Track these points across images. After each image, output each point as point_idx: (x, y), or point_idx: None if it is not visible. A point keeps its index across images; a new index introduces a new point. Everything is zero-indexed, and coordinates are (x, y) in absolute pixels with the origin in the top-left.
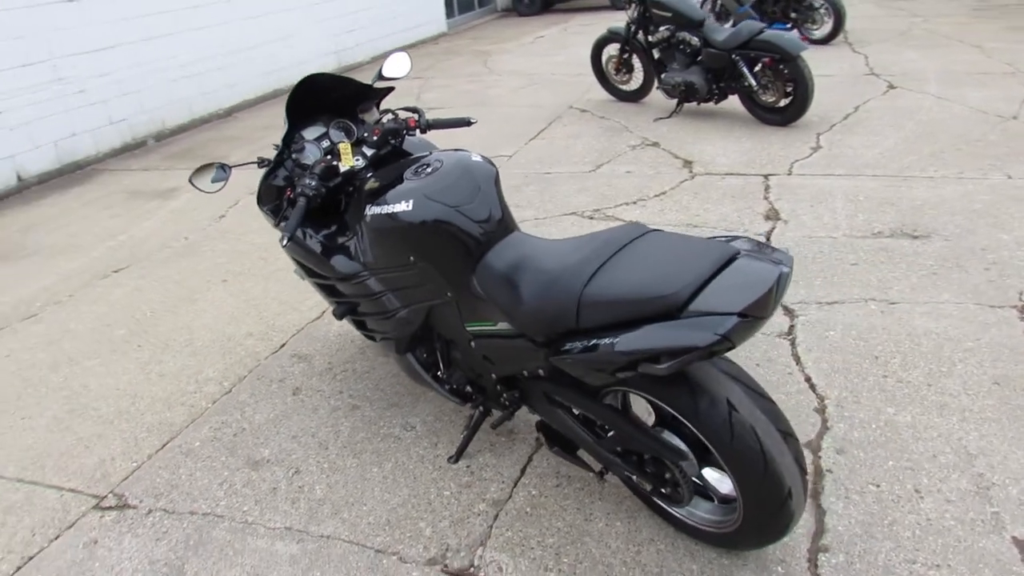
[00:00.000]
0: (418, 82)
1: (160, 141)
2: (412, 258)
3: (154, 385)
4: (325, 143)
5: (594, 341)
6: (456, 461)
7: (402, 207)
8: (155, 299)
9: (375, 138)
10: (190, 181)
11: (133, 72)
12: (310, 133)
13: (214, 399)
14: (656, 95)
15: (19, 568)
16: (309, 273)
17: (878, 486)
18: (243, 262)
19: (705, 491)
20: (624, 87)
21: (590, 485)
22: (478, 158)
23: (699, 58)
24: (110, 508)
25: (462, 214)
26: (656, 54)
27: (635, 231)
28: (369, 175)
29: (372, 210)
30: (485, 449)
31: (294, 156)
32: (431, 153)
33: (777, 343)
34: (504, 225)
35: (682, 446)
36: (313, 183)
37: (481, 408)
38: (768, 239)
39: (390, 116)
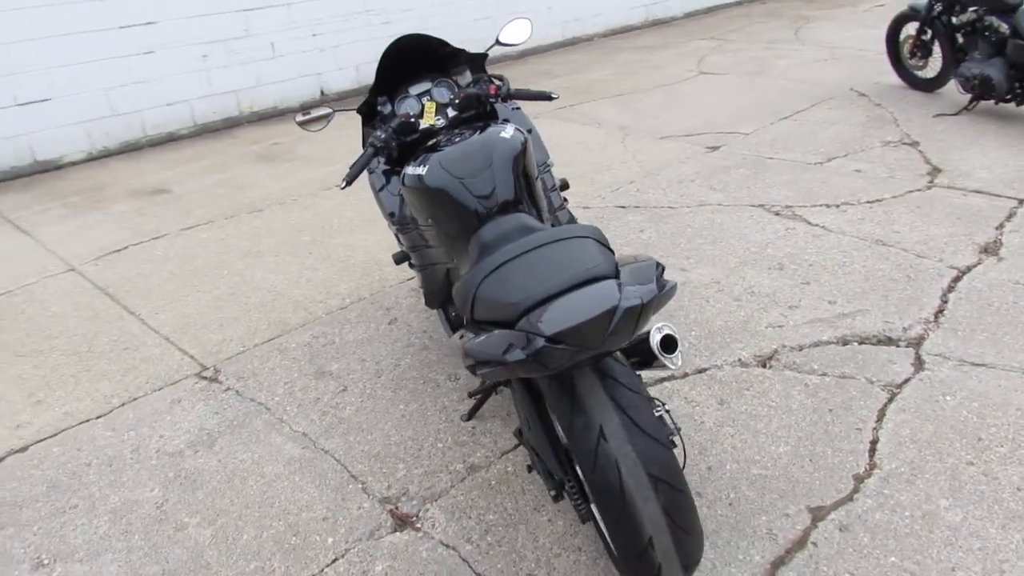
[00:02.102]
0: (713, 43)
1: None
2: (429, 220)
3: (298, 288)
4: (426, 99)
5: (463, 334)
6: (467, 420)
7: (420, 170)
8: (346, 215)
9: (457, 101)
10: (296, 122)
11: (434, 10)
12: (415, 88)
13: (329, 311)
14: (952, 87)
15: (122, 404)
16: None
17: None
18: None
19: None
20: (918, 73)
21: None
22: (507, 134)
23: (1004, 49)
24: (204, 378)
25: (464, 186)
26: (959, 39)
27: (575, 232)
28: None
29: (406, 169)
30: (499, 416)
31: (379, 108)
32: (486, 123)
33: (873, 393)
34: (508, 203)
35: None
36: (382, 135)
37: None
38: (960, 276)
39: (482, 80)
